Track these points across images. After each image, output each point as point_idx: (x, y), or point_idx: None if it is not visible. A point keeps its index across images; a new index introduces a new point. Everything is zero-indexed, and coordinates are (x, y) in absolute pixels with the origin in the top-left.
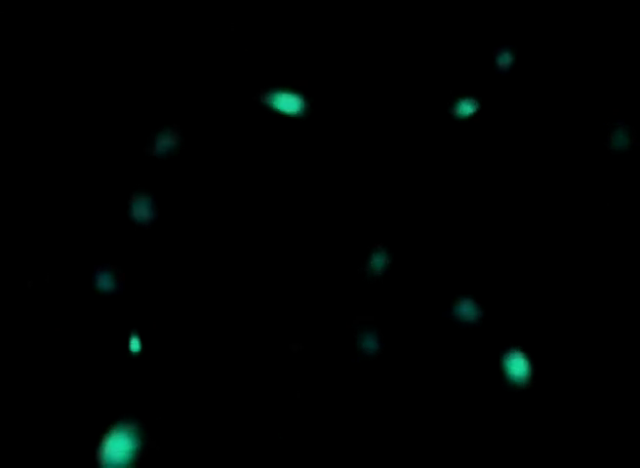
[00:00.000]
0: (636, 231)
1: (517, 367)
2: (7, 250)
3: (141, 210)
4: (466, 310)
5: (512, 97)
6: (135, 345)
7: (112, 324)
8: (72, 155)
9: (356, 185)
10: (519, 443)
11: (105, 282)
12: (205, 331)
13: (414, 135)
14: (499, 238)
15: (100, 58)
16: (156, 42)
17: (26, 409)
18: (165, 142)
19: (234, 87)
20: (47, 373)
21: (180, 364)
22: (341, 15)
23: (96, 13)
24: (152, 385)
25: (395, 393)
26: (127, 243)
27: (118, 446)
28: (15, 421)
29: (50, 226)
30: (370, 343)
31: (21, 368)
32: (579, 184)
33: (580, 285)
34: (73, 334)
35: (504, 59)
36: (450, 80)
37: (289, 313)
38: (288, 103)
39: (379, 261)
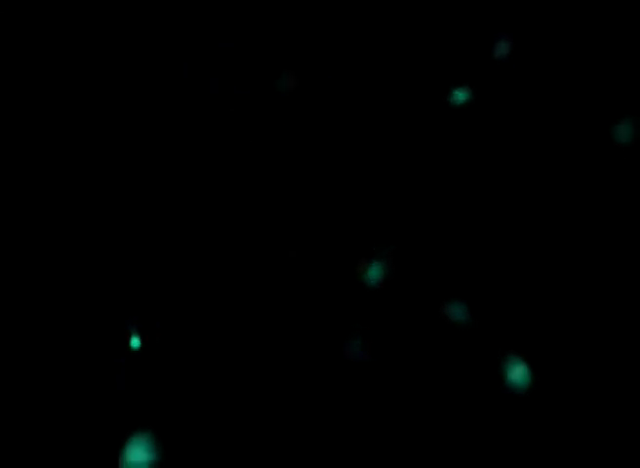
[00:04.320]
0: (637, 230)
1: (517, 372)
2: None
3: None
4: (461, 314)
5: (510, 87)
6: (135, 342)
7: (112, 321)
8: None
9: (354, 184)
10: (516, 448)
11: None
12: (203, 332)
13: (411, 129)
14: (497, 238)
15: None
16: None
17: (27, 410)
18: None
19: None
20: (47, 373)
21: (179, 362)
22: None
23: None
24: (152, 382)
25: (387, 399)
26: (127, 242)
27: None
28: (15, 422)
29: (51, 225)
30: (357, 350)
31: (22, 367)
32: (578, 181)
33: (580, 285)
34: (73, 333)
35: (501, 49)
36: (446, 70)
37: (284, 317)
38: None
39: (374, 268)
